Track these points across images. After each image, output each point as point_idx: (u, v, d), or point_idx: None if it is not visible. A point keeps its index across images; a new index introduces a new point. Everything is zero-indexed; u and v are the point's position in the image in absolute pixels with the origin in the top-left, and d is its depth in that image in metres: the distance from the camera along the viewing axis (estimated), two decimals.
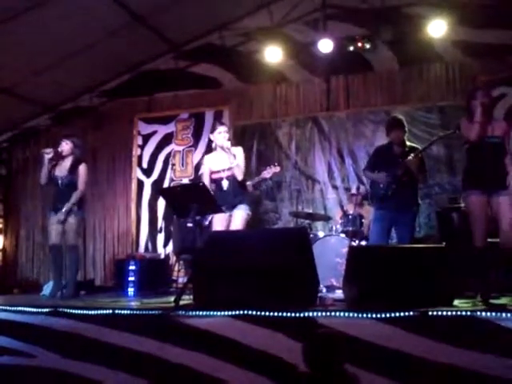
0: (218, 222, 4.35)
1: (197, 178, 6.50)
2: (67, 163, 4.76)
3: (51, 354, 3.16)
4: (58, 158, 4.78)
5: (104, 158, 7.24)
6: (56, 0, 4.86)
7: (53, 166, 4.74)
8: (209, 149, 6.70)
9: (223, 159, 4.33)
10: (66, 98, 6.87)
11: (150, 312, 3.25)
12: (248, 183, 4.61)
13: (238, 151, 4.37)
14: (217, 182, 4.41)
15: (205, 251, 3.61)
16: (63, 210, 4.58)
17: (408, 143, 4.56)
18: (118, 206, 7.13)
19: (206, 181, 4.42)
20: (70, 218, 4.62)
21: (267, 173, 4.81)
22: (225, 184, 4.34)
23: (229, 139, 4.38)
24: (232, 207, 4.33)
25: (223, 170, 4.34)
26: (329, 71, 6.32)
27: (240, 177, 4.31)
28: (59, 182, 4.69)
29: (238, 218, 4.31)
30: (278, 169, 4.80)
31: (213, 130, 4.46)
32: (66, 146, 4.75)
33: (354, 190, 5.57)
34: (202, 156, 6.82)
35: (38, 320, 3.30)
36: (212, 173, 4.43)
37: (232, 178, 4.33)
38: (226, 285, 3.25)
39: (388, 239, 4.54)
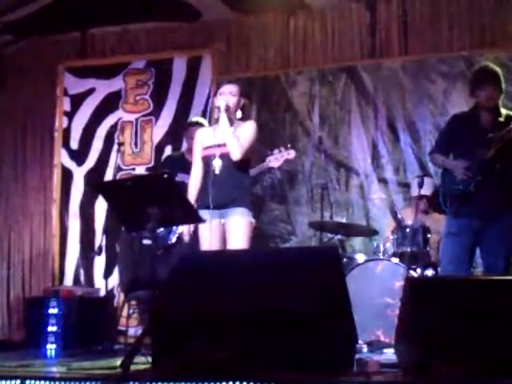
0: (208, 235, 4.46)
1: (160, 165, 6.48)
2: None
3: None
4: None
5: (8, 134, 7.23)
6: None
7: None
8: (180, 118, 6.75)
9: (220, 132, 4.53)
10: None
11: None
12: None
13: (247, 124, 4.61)
14: (206, 162, 4.56)
15: (171, 286, 3.61)
16: None
17: (504, 110, 4.58)
18: (30, 212, 7.14)
19: (197, 165, 4.62)
20: None
21: (275, 160, 4.82)
22: (217, 165, 4.47)
23: (237, 106, 4.62)
24: (224, 206, 4.40)
25: (217, 146, 4.50)
26: None
27: (236, 154, 4.43)
28: None
29: (237, 228, 4.43)
30: (291, 154, 4.81)
31: (215, 92, 4.72)
32: None
33: (414, 189, 5.48)
34: (168, 130, 6.85)
35: None
36: (203, 149, 4.62)
37: (228, 159, 4.46)
38: (206, 340, 3.25)
39: (470, 265, 4.55)
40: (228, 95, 4.57)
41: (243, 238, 4.44)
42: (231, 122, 4.52)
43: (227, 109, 4.50)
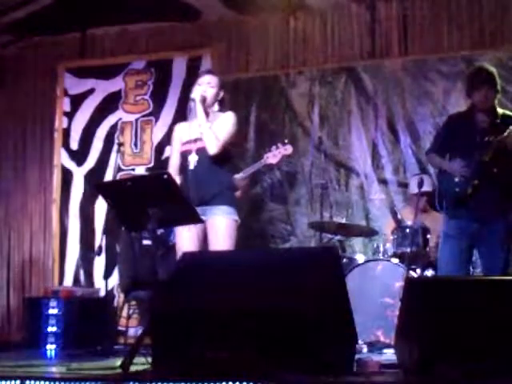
0: (186, 235, 4.36)
1: (159, 165, 6.49)
2: None
3: None
4: None
5: (8, 134, 7.24)
6: None
7: None
8: (180, 119, 6.74)
9: (196, 126, 4.42)
10: None
11: None
12: (237, 176, 4.59)
13: (225, 116, 4.47)
14: (183, 158, 4.46)
15: (171, 286, 3.62)
16: None
17: (501, 110, 4.57)
18: (30, 212, 7.15)
19: (174, 160, 4.51)
20: None
21: (272, 156, 4.78)
22: (192, 160, 4.37)
23: (215, 98, 4.49)
24: (205, 203, 4.32)
25: (194, 141, 4.41)
26: None
27: (213, 149, 4.32)
28: None
29: (219, 228, 4.33)
30: (288, 149, 4.76)
31: (194, 83, 4.57)
32: None
33: (414, 187, 5.51)
34: (168, 131, 6.84)
35: None
36: (182, 145, 4.52)
37: (205, 154, 4.36)
38: (206, 340, 3.26)
39: (468, 266, 4.56)
40: (206, 85, 4.44)
41: (226, 238, 4.32)
42: (207, 114, 4.40)
43: (203, 100, 4.39)
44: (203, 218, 4.30)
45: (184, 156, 4.44)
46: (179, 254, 4.33)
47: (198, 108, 4.35)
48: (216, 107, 4.51)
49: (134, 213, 3.94)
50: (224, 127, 4.41)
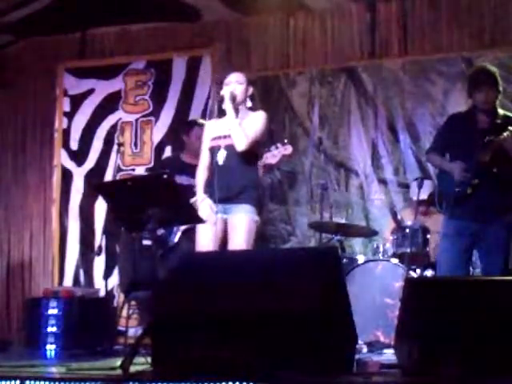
0: (205, 232, 4.41)
1: (159, 166, 6.49)
2: None
3: None
4: None
5: (8, 134, 7.24)
6: None
7: None
8: (180, 119, 6.75)
9: (226, 122, 4.50)
10: None
11: None
12: None
13: (256, 114, 4.55)
14: (212, 153, 4.52)
15: (172, 286, 3.62)
16: None
17: (501, 111, 4.57)
18: (29, 212, 7.14)
19: (205, 156, 4.59)
20: None
21: (272, 156, 4.79)
22: (221, 156, 4.43)
23: (245, 95, 4.58)
24: (229, 200, 4.36)
25: (223, 137, 4.47)
26: None
27: (241, 145, 4.38)
28: None
29: (240, 227, 4.39)
30: (288, 149, 4.78)
31: (221, 82, 4.66)
32: None
33: (414, 191, 5.44)
34: (168, 131, 6.85)
35: None
36: (211, 140, 4.59)
37: (233, 150, 4.41)
38: (207, 341, 3.26)
39: (468, 266, 4.56)
40: (234, 84, 4.53)
41: (246, 237, 4.37)
42: (237, 111, 4.47)
43: (233, 98, 4.46)
44: (225, 216, 4.40)
45: (212, 151, 4.51)
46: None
47: (227, 105, 4.42)
48: (248, 103, 4.59)
49: (133, 213, 3.95)
50: (253, 125, 4.47)
